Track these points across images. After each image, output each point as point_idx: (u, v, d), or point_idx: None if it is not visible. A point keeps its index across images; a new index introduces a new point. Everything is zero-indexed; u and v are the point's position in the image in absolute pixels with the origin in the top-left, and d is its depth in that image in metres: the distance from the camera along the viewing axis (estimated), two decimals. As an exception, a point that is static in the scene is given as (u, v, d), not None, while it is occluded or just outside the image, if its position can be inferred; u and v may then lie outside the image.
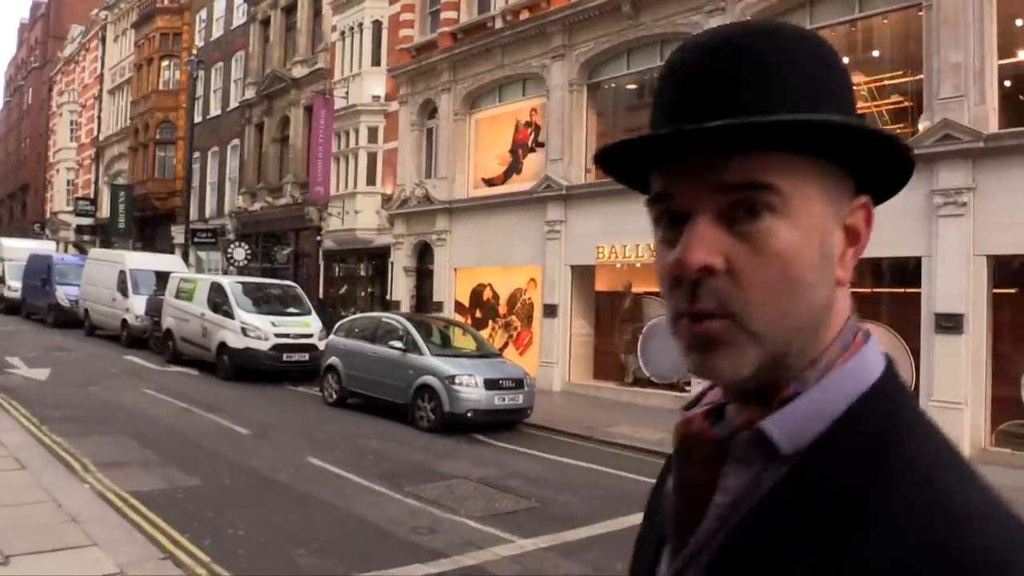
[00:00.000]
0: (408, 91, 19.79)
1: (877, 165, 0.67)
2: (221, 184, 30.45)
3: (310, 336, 15.24)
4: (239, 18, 29.70)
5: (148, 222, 34.47)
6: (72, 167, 46.26)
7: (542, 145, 16.35)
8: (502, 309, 17.32)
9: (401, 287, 19.68)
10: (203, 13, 32.62)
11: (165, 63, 33.82)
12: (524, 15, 16.73)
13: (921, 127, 10.31)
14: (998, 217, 9.53)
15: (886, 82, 11.80)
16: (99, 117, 42.21)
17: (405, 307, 19.01)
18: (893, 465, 0.59)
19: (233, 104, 29.52)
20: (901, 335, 10.59)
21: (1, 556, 4.66)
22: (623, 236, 13.79)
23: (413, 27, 20.03)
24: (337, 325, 13.76)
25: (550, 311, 15.62)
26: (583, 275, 15.46)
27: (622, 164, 0.71)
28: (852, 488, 0.59)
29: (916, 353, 10.30)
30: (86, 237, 40.76)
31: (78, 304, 22.61)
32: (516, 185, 16.95)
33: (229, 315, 15.21)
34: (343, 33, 21.68)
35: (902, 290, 11.01)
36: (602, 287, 15.53)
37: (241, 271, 23.08)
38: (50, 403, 10.68)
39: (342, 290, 22.92)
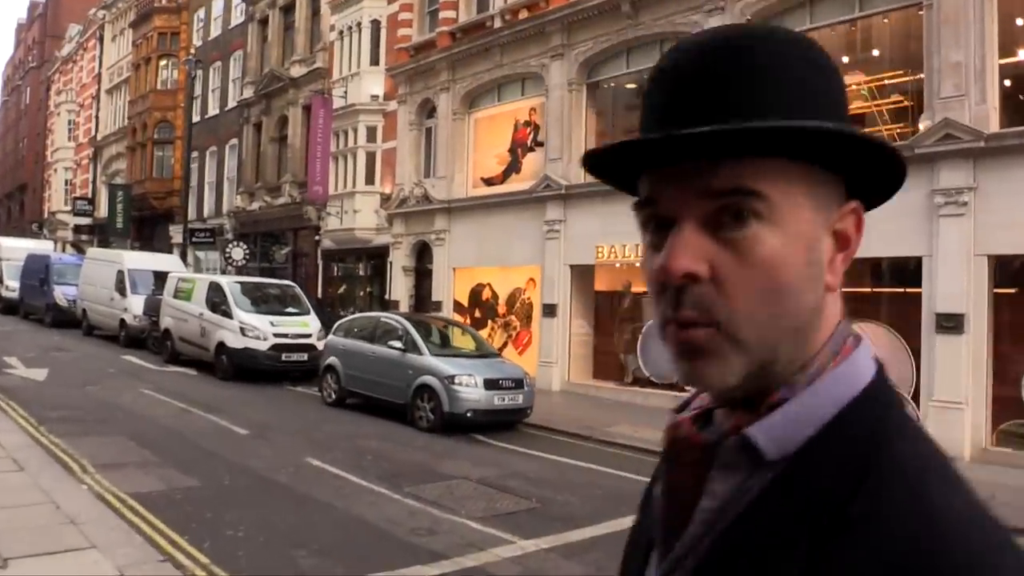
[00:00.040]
0: (407, 90, 19.75)
1: (869, 171, 0.67)
2: (219, 184, 30.40)
3: (309, 336, 15.20)
4: (237, 17, 29.65)
5: (146, 222, 34.41)
6: (70, 167, 46.19)
7: (541, 144, 16.32)
8: (501, 309, 17.29)
9: (400, 287, 19.65)
10: (201, 12, 32.56)
11: (163, 63, 33.78)
12: (523, 14, 16.70)
13: (922, 126, 10.29)
14: (999, 217, 9.50)
15: (886, 81, 11.77)
16: (97, 117, 42.16)
17: (404, 307, 18.98)
18: (883, 471, 0.59)
19: (231, 104, 29.47)
20: (902, 335, 10.57)
21: (0, 559, 4.63)
22: (622, 236, 13.76)
23: (412, 26, 20.00)
24: (336, 325, 13.73)
25: (549, 311, 15.59)
26: (582, 275, 15.44)
27: (610, 167, 0.70)
28: (840, 494, 0.59)
29: (917, 353, 10.28)
30: (84, 237, 40.68)
31: (76, 304, 22.56)
32: (515, 185, 16.92)
33: (228, 315, 15.17)
34: (341, 32, 21.64)
35: (903, 290, 10.99)
36: (601, 287, 15.50)
37: (239, 271, 23.04)
38: (48, 403, 10.64)
39: (341, 290, 22.88)
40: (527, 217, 16.03)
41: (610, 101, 16.20)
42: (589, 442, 10.61)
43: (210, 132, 30.50)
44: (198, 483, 7.29)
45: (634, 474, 8.32)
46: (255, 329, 14.73)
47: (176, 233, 30.38)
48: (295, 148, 24.63)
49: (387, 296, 19.90)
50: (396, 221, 19.70)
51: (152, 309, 18.21)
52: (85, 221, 40.64)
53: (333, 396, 12.60)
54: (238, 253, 23.83)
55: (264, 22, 27.35)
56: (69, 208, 42.80)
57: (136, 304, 19.21)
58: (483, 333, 15.71)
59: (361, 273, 22.11)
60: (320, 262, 23.23)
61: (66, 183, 46.27)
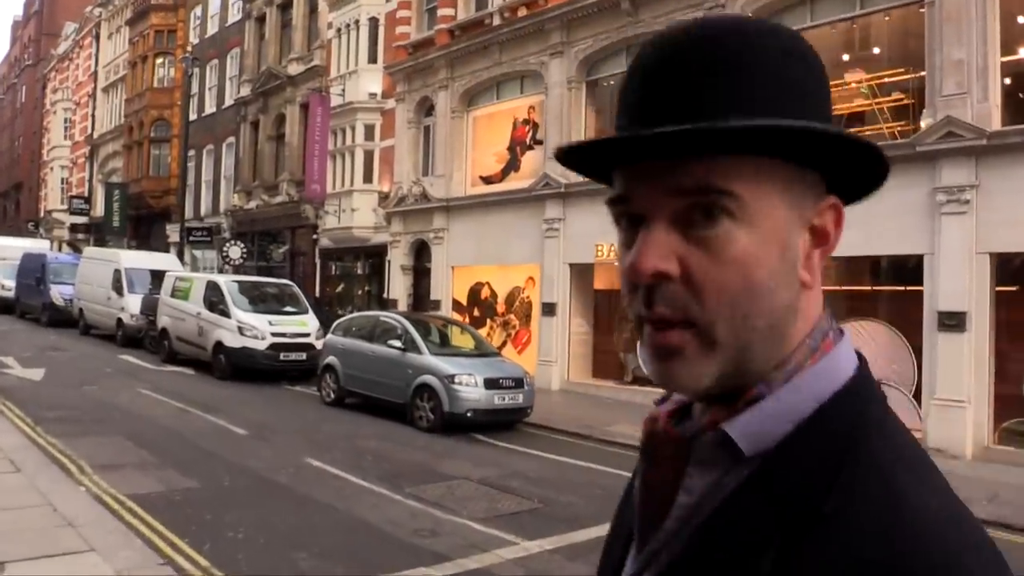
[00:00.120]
0: (405, 88, 19.68)
1: (848, 168, 0.65)
2: (216, 182, 30.30)
3: (307, 335, 15.14)
4: (234, 15, 29.55)
5: (143, 221, 34.29)
6: (66, 165, 46.03)
7: (540, 143, 16.26)
8: (500, 308, 17.24)
9: (398, 286, 19.58)
10: (198, 10, 32.45)
11: (160, 60, 33.65)
12: (522, 12, 16.63)
13: (923, 124, 10.26)
14: (1001, 215, 9.47)
15: (887, 79, 11.74)
16: (93, 115, 42.00)
17: (402, 306, 18.91)
18: (858, 466, 0.58)
19: (228, 102, 29.36)
20: (903, 333, 10.54)
21: (-4, 562, 4.57)
22: (622, 234, 13.69)
23: (410, 24, 19.92)
24: (335, 324, 13.67)
25: (549, 310, 15.54)
26: (582, 273, 15.39)
27: (585, 162, 0.70)
28: (815, 490, 0.58)
29: (918, 351, 10.26)
30: (80, 236, 40.53)
31: (72, 303, 22.48)
32: (514, 183, 16.86)
33: (225, 314, 15.10)
34: (339, 30, 21.56)
35: (903, 288, 10.96)
36: (601, 285, 15.45)
37: (237, 270, 22.95)
38: (45, 404, 10.57)
39: (338, 289, 22.80)
40: (526, 215, 15.97)
41: (609, 99, 16.11)
42: (589, 441, 10.57)
43: (207, 130, 30.39)
44: (197, 484, 7.23)
45: (636, 474, 8.25)
46: (253, 328, 14.67)
47: (173, 232, 30.27)
48: (293, 146, 24.54)
49: (385, 295, 19.84)
50: (394, 220, 19.63)
51: (149, 308, 18.13)
52: (81, 220, 40.50)
53: (332, 396, 12.54)
54: (235, 252, 23.74)
55: (261, 19, 27.24)
56: (65, 207, 42.63)
57: (133, 303, 19.13)
58: (482, 332, 15.66)
59: (359, 272, 22.04)
60: (318, 261, 23.15)
61: (62, 182, 46.10)
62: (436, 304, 18.09)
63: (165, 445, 8.73)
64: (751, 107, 0.61)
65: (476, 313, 17.63)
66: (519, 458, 9.38)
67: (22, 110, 58.67)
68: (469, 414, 10.54)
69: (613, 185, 0.68)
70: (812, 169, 0.65)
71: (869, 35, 12.29)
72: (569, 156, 0.68)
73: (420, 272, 19.28)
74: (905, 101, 11.49)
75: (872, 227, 10.39)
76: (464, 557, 5.63)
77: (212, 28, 31.42)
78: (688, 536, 0.64)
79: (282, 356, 14.74)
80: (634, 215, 0.66)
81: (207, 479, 7.42)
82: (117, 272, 20.12)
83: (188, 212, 29.34)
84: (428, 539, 6.03)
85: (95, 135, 41.33)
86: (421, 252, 19.31)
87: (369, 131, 20.78)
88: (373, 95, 20.72)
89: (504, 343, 16.50)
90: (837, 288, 11.39)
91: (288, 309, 16.00)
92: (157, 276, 19.09)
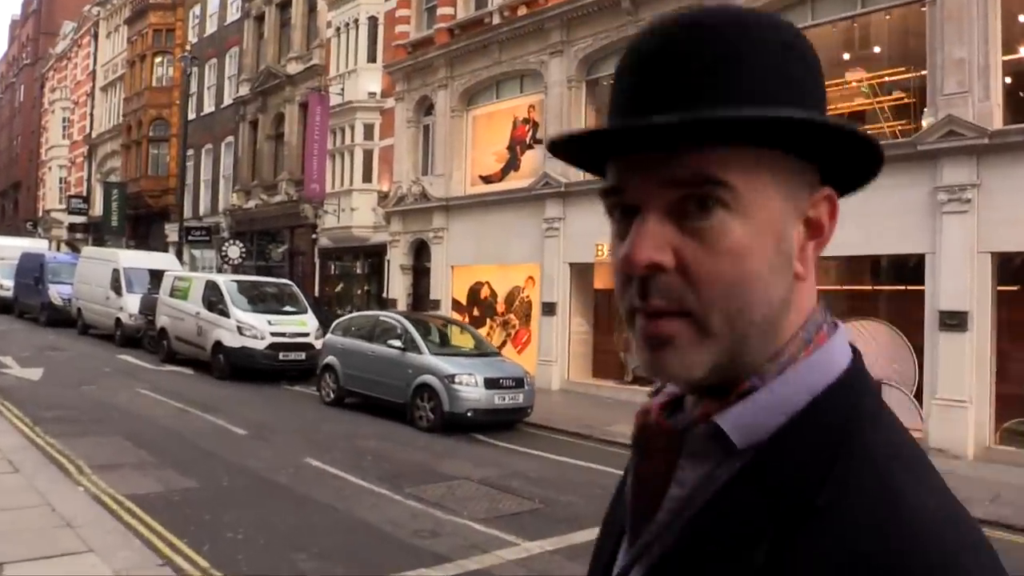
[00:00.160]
0: (404, 88, 19.64)
1: (843, 159, 0.65)
2: (215, 182, 30.25)
3: (307, 335, 15.10)
4: (233, 14, 29.50)
5: (141, 220, 34.23)
6: (64, 165, 45.95)
7: (540, 142, 16.22)
8: (500, 307, 17.21)
9: (398, 285, 19.55)
10: (197, 9, 32.40)
11: (158, 59, 33.58)
12: (522, 11, 16.60)
13: (925, 123, 10.23)
14: (1003, 214, 9.45)
15: (887, 78, 11.72)
16: (92, 114, 41.92)
17: (402, 305, 18.88)
18: (853, 459, 0.58)
19: (227, 101, 29.31)
20: (904, 333, 10.52)
21: (-6, 563, 4.53)
22: (622, 233, 13.67)
23: (409, 23, 19.88)
24: (334, 324, 13.63)
25: (548, 309, 15.51)
26: (582, 273, 15.36)
27: (578, 153, 0.69)
28: (809, 482, 0.58)
29: (920, 351, 10.23)
30: (79, 235, 40.45)
31: (71, 303, 22.43)
32: (514, 182, 16.83)
33: (225, 314, 15.06)
34: (338, 29, 21.51)
35: (905, 287, 10.93)
36: (601, 285, 15.41)
37: (236, 269, 22.90)
38: (43, 403, 10.53)
39: (338, 288, 22.76)
40: (526, 215, 15.94)
41: (609, 98, 16.09)
42: (590, 441, 10.53)
43: (206, 130, 30.33)
44: (196, 484, 7.20)
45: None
46: (252, 328, 14.63)
47: (172, 232, 30.21)
48: (292, 146, 24.49)
49: (385, 295, 19.80)
50: (394, 219, 19.60)
51: (148, 308, 18.08)
52: (80, 219, 40.43)
53: (331, 395, 12.51)
54: (234, 252, 23.69)
55: (260, 19, 27.19)
56: (64, 206, 42.55)
57: (132, 303, 19.08)
58: (481, 332, 15.62)
59: (358, 271, 22.00)
60: (317, 260, 23.11)
61: (61, 181, 46.01)
62: (436, 304, 18.06)
63: (164, 445, 8.70)
64: (748, 98, 0.60)
65: (476, 313, 17.59)
66: (519, 458, 9.35)
67: (20, 109, 58.58)
68: (469, 414, 10.51)
69: (606, 176, 0.67)
70: (807, 160, 0.64)
71: (870, 34, 12.27)
72: (562, 147, 0.68)
73: (419, 272, 19.25)
74: (906, 100, 11.47)
75: (873, 226, 10.37)
76: (465, 558, 5.60)
77: (211, 27, 31.36)
78: (680, 528, 0.64)
79: (281, 356, 14.70)
80: (628, 206, 0.65)
81: (206, 479, 7.38)
82: (116, 272, 20.07)
83: (187, 212, 29.29)
84: (429, 540, 6.00)
85: (93, 134, 41.25)
86: (420, 251, 19.28)
87: (368, 130, 20.75)
88: (372, 94, 20.68)
89: (504, 343, 16.47)
90: (838, 287, 11.37)
91: (287, 309, 15.96)
92: (156, 276, 19.05)
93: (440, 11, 18.76)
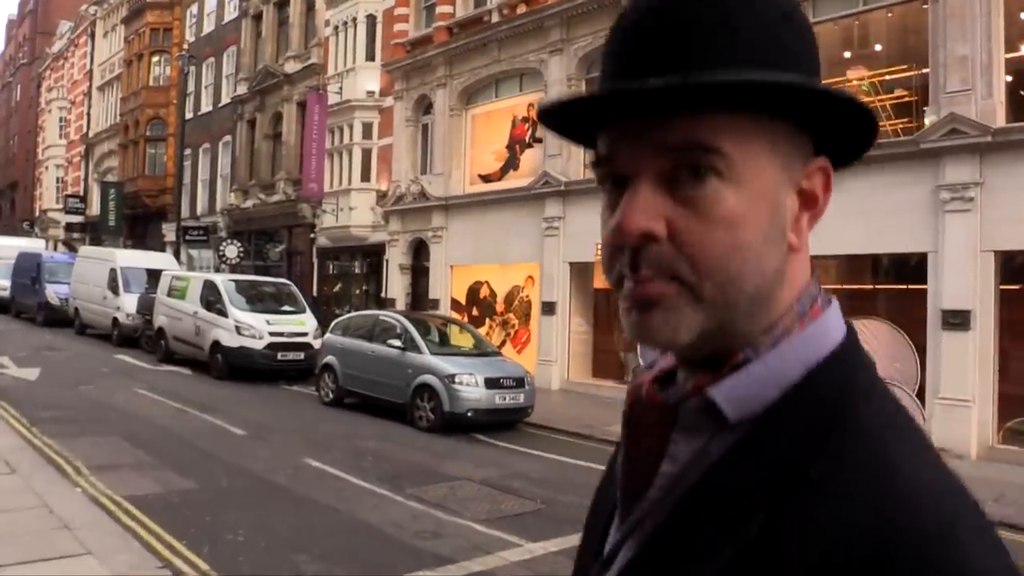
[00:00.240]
0: (403, 86, 19.57)
1: (837, 128, 0.64)
2: (213, 181, 30.15)
3: (305, 335, 15.04)
4: (230, 13, 29.40)
5: (139, 220, 34.12)
6: (61, 164, 45.80)
7: (540, 141, 16.16)
8: (499, 307, 17.15)
9: (396, 285, 19.48)
10: (194, 8, 32.29)
11: (155, 59, 33.46)
12: (521, 9, 16.54)
13: (927, 121, 10.19)
14: (1006, 212, 9.41)
15: (888, 76, 11.67)
16: (88, 114, 41.78)
17: (400, 305, 18.82)
18: (846, 432, 0.57)
19: (225, 100, 29.22)
20: (907, 332, 10.46)
21: (-10, 566, 4.47)
22: (623, 232, 13.62)
23: (408, 22, 19.81)
24: (333, 323, 13.56)
25: (548, 309, 15.46)
26: (581, 272, 15.30)
27: (569, 123, 0.68)
28: (803, 456, 0.57)
29: (922, 350, 10.19)
30: (76, 235, 40.34)
31: (68, 303, 22.35)
32: (513, 181, 16.77)
33: (223, 313, 14.99)
34: (336, 28, 21.43)
35: (907, 287, 10.89)
36: (601, 284, 15.34)
37: (233, 269, 22.80)
38: (40, 404, 10.45)
39: (336, 288, 22.69)
40: (525, 214, 15.88)
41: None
42: (590, 441, 10.47)
43: (203, 129, 30.23)
44: (195, 485, 7.13)
45: (639, 474, 8.17)
46: (251, 328, 14.56)
47: (169, 231, 30.10)
48: (290, 145, 24.41)
49: (383, 294, 19.74)
50: (392, 218, 19.53)
51: (146, 308, 18.00)
52: (77, 219, 40.32)
53: (330, 395, 12.44)
54: (232, 251, 23.59)
55: (258, 17, 27.10)
56: (61, 206, 42.44)
57: (129, 303, 19.00)
58: (481, 331, 15.56)
59: (357, 271, 21.93)
60: (315, 260, 23.03)
61: (57, 181, 45.88)
62: (435, 303, 18.00)
63: (162, 445, 8.63)
64: (744, 64, 0.59)
65: (475, 312, 17.53)
66: (520, 458, 9.29)
67: (17, 109, 58.40)
68: (470, 414, 10.45)
69: (596, 147, 0.66)
70: (801, 130, 0.63)
71: (872, 32, 12.23)
72: (552, 116, 0.66)
73: (418, 271, 19.18)
74: (907, 98, 11.43)
75: (875, 225, 10.35)
76: (468, 559, 5.54)
77: (208, 26, 31.26)
78: (673, 504, 0.63)
79: (280, 356, 14.63)
80: (619, 175, 0.64)
81: (205, 480, 7.31)
82: (113, 271, 19.99)
83: (184, 211, 29.16)
84: (430, 541, 5.94)
85: (90, 134, 41.11)
86: (419, 251, 19.21)
87: (367, 129, 20.67)
88: (371, 93, 20.61)
89: (503, 342, 16.41)
90: (839, 286, 11.33)
91: (286, 308, 15.89)
92: (153, 275, 18.99)
93: (439, 9, 18.69)
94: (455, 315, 16.97)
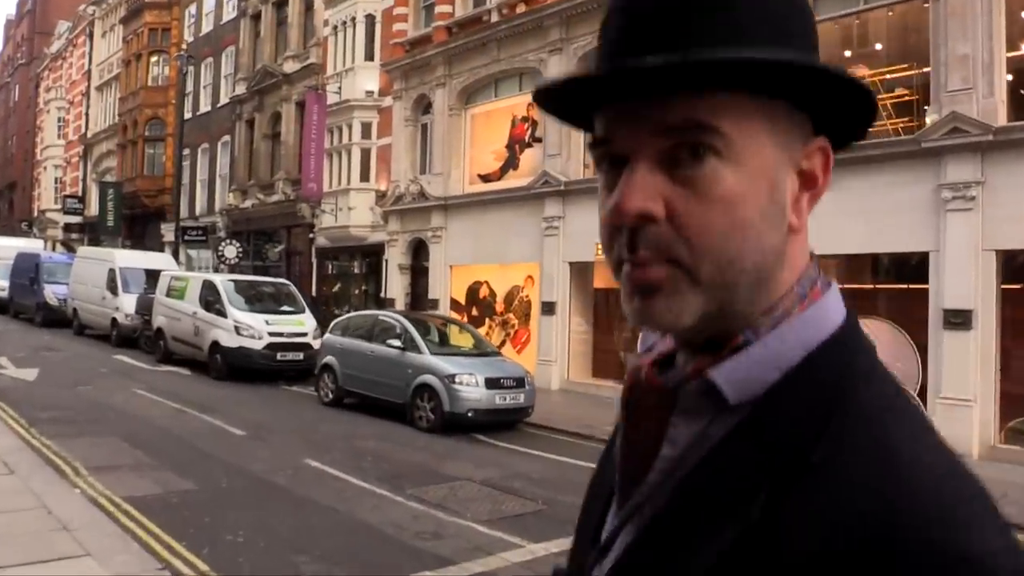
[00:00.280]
0: (402, 86, 19.54)
1: (837, 107, 0.63)
2: (211, 181, 30.10)
3: (304, 335, 14.99)
4: (229, 13, 29.35)
5: (137, 220, 34.06)
6: (60, 164, 45.72)
7: (539, 140, 16.14)
8: (499, 307, 17.11)
9: (396, 285, 19.44)
10: (192, 8, 32.22)
11: (154, 59, 33.40)
12: (520, 8, 16.51)
13: (928, 120, 10.17)
14: (1007, 211, 9.38)
15: (888, 76, 11.65)
16: (87, 114, 41.71)
17: (400, 305, 18.78)
18: (847, 415, 0.57)
19: (223, 100, 29.16)
20: (908, 331, 10.44)
21: (-12, 568, 4.43)
22: (623, 232, 13.59)
23: (407, 21, 19.77)
24: (333, 323, 13.53)
25: (548, 308, 15.42)
26: (581, 272, 15.27)
27: (565, 105, 0.67)
28: (804, 439, 0.56)
29: (924, 350, 10.16)
30: (74, 235, 40.27)
31: (67, 303, 22.29)
32: (513, 181, 16.73)
33: (222, 313, 14.95)
34: (335, 28, 21.39)
35: (908, 286, 10.86)
36: (601, 284, 15.32)
37: (232, 269, 22.75)
38: (39, 404, 10.41)
39: (335, 288, 22.64)
40: (525, 214, 15.84)
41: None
42: (591, 442, 10.41)
43: (202, 129, 30.18)
44: (195, 486, 7.09)
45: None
46: (250, 328, 14.52)
47: (168, 231, 30.04)
48: (288, 145, 24.37)
49: (383, 294, 19.70)
50: (391, 218, 19.49)
51: (144, 308, 17.95)
52: (75, 219, 40.23)
53: (330, 396, 12.40)
54: (231, 251, 23.53)
55: (256, 17, 27.05)
56: (59, 206, 42.34)
57: (128, 303, 18.95)
58: (480, 331, 15.52)
59: (356, 271, 21.89)
60: (314, 260, 22.99)
61: (56, 181, 45.79)
62: (434, 303, 17.96)
63: (161, 446, 8.59)
64: (744, 42, 0.58)
65: (474, 312, 17.49)
66: (521, 459, 9.26)
67: (15, 109, 58.32)
68: (470, 414, 10.41)
69: (593, 130, 0.65)
70: (799, 110, 0.63)
71: (872, 31, 12.21)
72: (548, 98, 0.66)
73: (418, 271, 19.15)
74: (908, 97, 11.41)
75: (876, 224, 10.32)
76: (469, 560, 5.51)
77: (207, 26, 31.20)
78: (673, 487, 0.62)
79: (279, 356, 14.59)
80: (616, 156, 0.63)
81: (205, 481, 7.28)
82: (112, 271, 19.94)
83: (183, 211, 29.10)
84: (431, 542, 5.91)
85: (89, 134, 41.04)
86: (419, 251, 19.17)
87: (366, 129, 20.63)
88: (370, 93, 20.56)
89: (503, 342, 16.37)
90: (840, 286, 11.10)
91: (285, 308, 15.85)
92: (152, 275, 18.93)
93: (438, 9, 18.65)
94: (454, 315, 16.93)
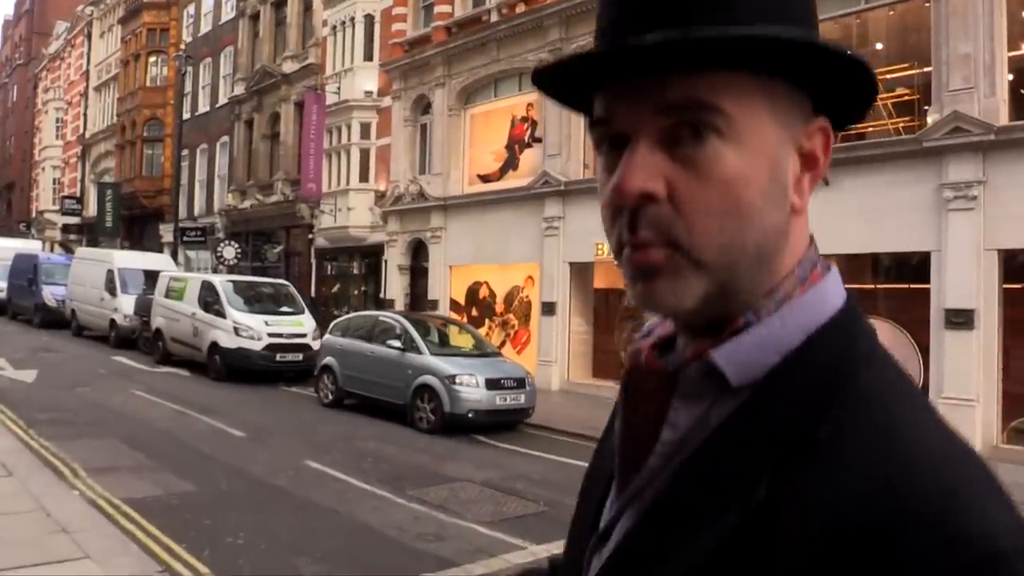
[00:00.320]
0: (401, 86, 19.50)
1: (837, 87, 0.62)
2: (210, 182, 30.05)
3: (304, 336, 14.95)
4: (228, 13, 29.30)
5: (136, 221, 34.00)
6: (58, 165, 45.64)
7: (539, 140, 16.11)
8: (499, 307, 17.08)
9: (395, 285, 19.40)
10: (191, 8, 32.17)
11: (152, 59, 33.34)
12: (520, 8, 16.48)
13: (930, 120, 10.15)
14: (1009, 210, 9.37)
15: (889, 75, 11.61)
16: (85, 114, 41.65)
17: (399, 306, 18.74)
18: (848, 397, 0.56)
19: (222, 100, 29.12)
20: (910, 331, 10.42)
21: (-13, 571, 4.39)
22: (623, 232, 13.57)
23: (406, 21, 19.74)
24: (332, 324, 13.49)
25: (548, 309, 15.39)
26: (581, 272, 15.24)
27: (564, 86, 0.66)
28: (805, 421, 0.56)
29: (925, 350, 10.14)
30: (72, 236, 40.20)
31: (65, 304, 22.23)
32: (513, 181, 16.70)
33: (221, 314, 14.90)
34: (334, 28, 21.36)
35: (910, 286, 10.84)
36: (601, 284, 15.30)
37: (231, 270, 22.71)
38: (37, 405, 10.36)
39: (334, 289, 22.60)
40: (525, 214, 15.81)
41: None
42: (592, 442, 10.03)
43: (201, 129, 30.13)
44: (195, 488, 7.05)
45: (642, 475, 8.11)
46: (249, 329, 14.47)
47: (166, 232, 30.00)
48: (287, 145, 24.32)
49: (382, 295, 19.66)
50: (391, 219, 19.45)
51: (143, 309, 17.91)
52: (74, 220, 40.16)
53: (330, 397, 12.36)
54: (230, 252, 23.48)
55: (255, 17, 27.01)
56: (57, 207, 42.28)
57: (126, 304, 18.90)
58: (480, 332, 15.49)
59: (355, 272, 21.85)
60: (313, 261, 22.95)
61: (54, 182, 45.71)
62: (434, 304, 17.92)
63: (161, 448, 8.55)
64: (744, 19, 0.58)
65: (474, 313, 17.46)
66: (522, 459, 9.23)
67: (13, 110, 58.23)
68: (470, 415, 10.38)
69: (593, 111, 0.65)
70: (800, 89, 0.62)
71: (873, 30, 12.18)
72: (546, 79, 0.65)
73: (417, 272, 19.11)
74: (908, 97, 11.39)
75: (878, 224, 10.30)
76: (471, 562, 5.47)
77: (205, 26, 31.16)
78: (673, 471, 0.62)
79: (278, 357, 14.54)
80: (617, 137, 0.62)
81: (204, 482, 7.24)
82: (110, 272, 19.89)
83: (182, 212, 29.04)
84: (433, 543, 5.87)
85: (87, 135, 40.99)
86: (418, 251, 19.14)
87: (365, 129, 20.59)
88: (369, 93, 20.53)
89: (503, 343, 16.33)
90: (842, 286, 11.26)
91: (284, 309, 15.80)
92: (151, 276, 18.88)
93: (437, 9, 18.62)
94: (454, 316, 16.90)
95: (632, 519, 0.65)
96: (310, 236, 22.72)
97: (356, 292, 21.62)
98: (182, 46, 29.80)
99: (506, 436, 10.51)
